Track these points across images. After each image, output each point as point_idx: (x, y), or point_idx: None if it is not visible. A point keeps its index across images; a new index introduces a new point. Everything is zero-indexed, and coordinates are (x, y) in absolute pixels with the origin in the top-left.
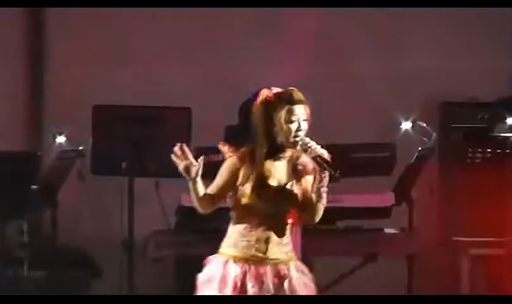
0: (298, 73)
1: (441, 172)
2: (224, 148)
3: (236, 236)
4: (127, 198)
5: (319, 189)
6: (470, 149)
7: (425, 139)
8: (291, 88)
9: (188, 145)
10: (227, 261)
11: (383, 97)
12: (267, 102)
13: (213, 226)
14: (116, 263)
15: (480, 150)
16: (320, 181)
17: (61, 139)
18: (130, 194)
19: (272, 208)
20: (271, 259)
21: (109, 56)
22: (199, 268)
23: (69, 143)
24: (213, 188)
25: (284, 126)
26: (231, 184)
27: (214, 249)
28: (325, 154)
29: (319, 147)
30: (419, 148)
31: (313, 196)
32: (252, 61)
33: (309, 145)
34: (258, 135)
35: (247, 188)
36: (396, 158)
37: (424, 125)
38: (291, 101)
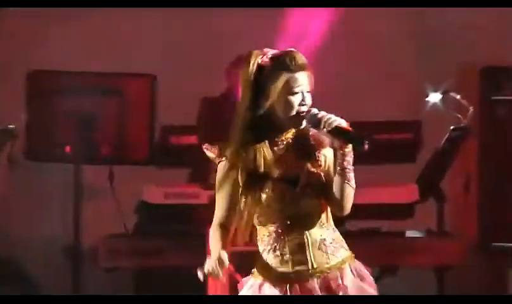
0: (299, 26)
1: (481, 159)
2: (211, 151)
3: (266, 252)
4: (73, 192)
5: (343, 169)
6: None
7: (459, 115)
8: (291, 49)
9: (152, 124)
10: (261, 285)
11: (406, 62)
12: (259, 68)
13: (184, 228)
14: (58, 276)
15: None
16: (344, 158)
17: None
18: (76, 186)
19: (291, 206)
20: (317, 269)
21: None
22: (165, 283)
23: None
24: (218, 214)
25: (283, 100)
26: (236, 198)
27: (187, 259)
28: (343, 123)
29: (332, 115)
30: (452, 127)
31: (338, 178)
32: (239, 13)
33: (319, 116)
34: (242, 113)
35: (253, 194)
36: (422, 139)
37: (458, 97)
38: (293, 67)
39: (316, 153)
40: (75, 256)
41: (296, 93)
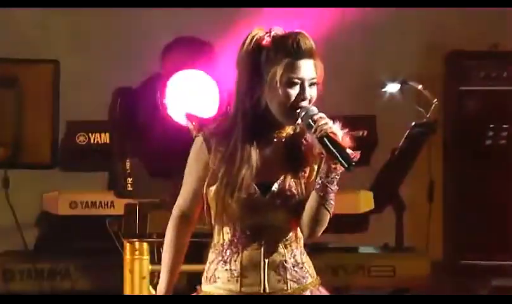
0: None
1: (447, 160)
2: (191, 122)
3: (215, 264)
4: None
5: (323, 186)
6: (491, 125)
7: (421, 109)
8: (299, 31)
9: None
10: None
11: (357, 47)
12: (258, 48)
13: (96, 245)
14: None
15: (505, 126)
16: (328, 174)
17: None
18: None
19: (255, 215)
20: (270, 294)
21: None
22: None
23: None
24: (181, 200)
25: (281, 90)
26: (203, 183)
27: (99, 283)
28: (339, 133)
29: (330, 122)
30: (412, 123)
31: (314, 197)
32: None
33: (315, 118)
34: (237, 100)
35: (218, 186)
36: (377, 138)
37: (420, 87)
38: (295, 52)
39: (303, 162)
40: None
41: (294, 83)
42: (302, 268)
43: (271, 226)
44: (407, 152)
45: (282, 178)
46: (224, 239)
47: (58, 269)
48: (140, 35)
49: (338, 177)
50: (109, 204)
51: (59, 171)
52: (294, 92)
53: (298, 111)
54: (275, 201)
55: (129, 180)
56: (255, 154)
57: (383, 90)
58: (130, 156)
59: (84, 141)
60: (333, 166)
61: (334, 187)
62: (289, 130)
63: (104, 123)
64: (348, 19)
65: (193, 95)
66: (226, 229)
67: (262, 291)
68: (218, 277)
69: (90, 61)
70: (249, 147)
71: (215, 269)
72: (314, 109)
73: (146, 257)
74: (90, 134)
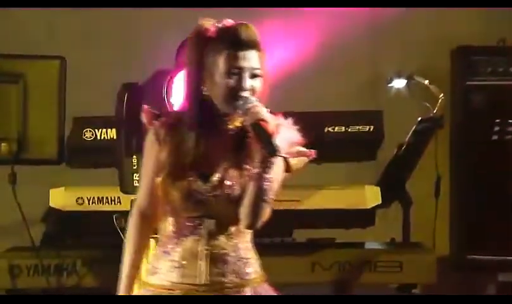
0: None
1: (454, 155)
2: (146, 115)
3: (158, 255)
4: None
5: (259, 175)
6: (498, 120)
7: (427, 104)
8: (242, 22)
9: (61, 115)
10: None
11: (364, 42)
12: (202, 39)
13: (104, 240)
14: None
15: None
16: (262, 163)
17: None
18: None
19: (197, 206)
20: (209, 287)
21: None
22: None
23: None
24: (139, 197)
25: (221, 80)
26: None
27: (106, 279)
28: (270, 121)
29: (264, 110)
30: (419, 119)
31: (252, 188)
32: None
33: (249, 104)
34: (186, 91)
35: (163, 177)
36: (384, 133)
37: (426, 82)
38: (236, 42)
39: (248, 154)
40: None
41: (234, 73)
42: (246, 263)
43: (213, 218)
44: (413, 148)
45: (224, 169)
46: (167, 231)
47: (65, 265)
48: (147, 32)
49: (272, 165)
50: (115, 200)
51: (65, 167)
52: (234, 82)
53: (237, 101)
54: (216, 191)
55: (135, 176)
56: (200, 144)
57: (390, 85)
58: (136, 152)
59: (91, 137)
60: (267, 154)
61: (269, 176)
62: (237, 122)
63: (110, 119)
64: (354, 15)
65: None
66: (170, 220)
67: (200, 283)
68: (160, 268)
69: (97, 57)
70: (194, 137)
71: (158, 260)
72: (252, 99)
73: (153, 252)
74: (96, 130)
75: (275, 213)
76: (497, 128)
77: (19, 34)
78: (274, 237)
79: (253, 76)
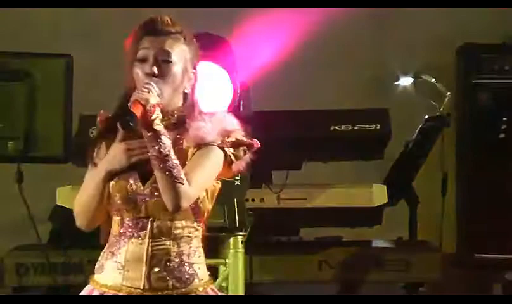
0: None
1: (460, 154)
2: (99, 119)
3: (105, 254)
4: None
5: (154, 157)
6: (504, 118)
7: (434, 102)
8: (161, 14)
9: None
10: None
11: (370, 40)
12: (132, 36)
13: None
14: None
15: None
16: (150, 143)
17: None
18: None
19: (138, 207)
20: (152, 291)
21: None
22: None
23: None
24: (81, 188)
25: (134, 67)
26: None
27: None
28: (146, 101)
29: (147, 91)
30: (425, 117)
31: (153, 167)
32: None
33: (142, 86)
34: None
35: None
36: (390, 132)
37: (433, 80)
38: (144, 28)
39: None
40: None
41: (142, 60)
42: (190, 268)
43: (155, 219)
44: (420, 146)
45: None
46: (114, 231)
47: (72, 263)
48: None
49: (164, 143)
50: None
51: (72, 165)
52: (142, 68)
53: (144, 86)
54: (155, 192)
55: None
56: (135, 143)
57: (396, 83)
58: None
59: None
60: (148, 134)
61: (158, 151)
62: (172, 118)
63: None
64: (360, 12)
65: (206, 86)
66: (117, 219)
67: (141, 287)
68: (106, 268)
69: (103, 55)
70: (130, 137)
71: (105, 259)
72: (153, 84)
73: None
74: None
75: (282, 211)
76: (503, 126)
77: (25, 32)
78: (281, 236)
79: (163, 61)
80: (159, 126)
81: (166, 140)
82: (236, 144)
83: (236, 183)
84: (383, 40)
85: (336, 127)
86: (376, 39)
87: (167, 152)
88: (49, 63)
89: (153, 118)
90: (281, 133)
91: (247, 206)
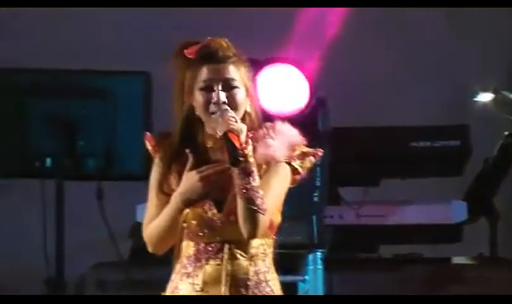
0: (312, 17)
1: None
2: (150, 142)
3: (179, 277)
4: (54, 213)
5: (239, 187)
6: None
7: None
8: (214, 38)
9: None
10: None
11: (450, 55)
12: (182, 60)
13: None
14: None
15: None
16: (240, 175)
17: None
18: (57, 207)
19: (214, 232)
20: None
21: None
22: None
23: None
24: (149, 216)
25: (197, 97)
26: (165, 201)
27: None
28: (240, 132)
29: (234, 120)
30: (506, 133)
31: (240, 201)
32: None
33: (223, 115)
34: (175, 111)
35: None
36: (470, 148)
37: None
38: (206, 57)
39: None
40: (58, 290)
41: (207, 88)
42: (266, 286)
43: (231, 242)
44: (500, 162)
45: (233, 193)
46: (188, 253)
47: (152, 279)
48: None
49: (248, 175)
50: None
51: None
52: (208, 96)
53: (213, 114)
54: (231, 217)
55: None
56: (207, 169)
57: (475, 99)
58: None
59: None
60: (245, 166)
61: (248, 185)
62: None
63: None
64: (436, 26)
65: (283, 87)
66: (190, 243)
67: None
68: (181, 290)
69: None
70: (200, 162)
71: (179, 282)
72: (226, 111)
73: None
74: None
75: (361, 228)
76: None
77: (104, 49)
78: (360, 253)
79: (230, 88)
80: (252, 158)
81: (256, 171)
82: (302, 156)
83: (314, 200)
84: (461, 54)
85: (415, 144)
86: (455, 54)
87: (256, 184)
88: (128, 80)
89: (247, 151)
90: (360, 150)
91: (326, 223)
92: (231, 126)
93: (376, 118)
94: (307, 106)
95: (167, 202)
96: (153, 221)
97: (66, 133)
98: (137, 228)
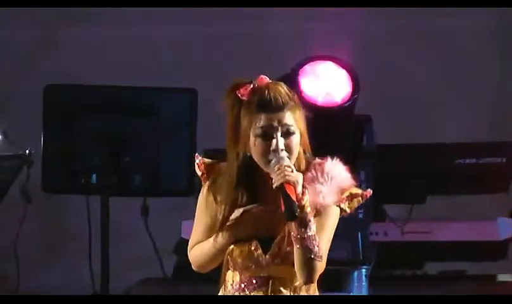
0: (354, 27)
1: None
2: (200, 167)
3: None
4: (100, 229)
5: (296, 238)
6: None
7: None
8: (271, 82)
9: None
10: None
11: (494, 69)
12: (236, 100)
13: None
14: None
15: None
16: (299, 225)
17: None
18: (103, 222)
19: (259, 269)
20: None
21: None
22: None
23: (7, 144)
24: (193, 240)
25: (254, 141)
26: (212, 229)
27: None
28: (296, 183)
29: (290, 170)
30: None
31: (295, 248)
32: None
33: (280, 164)
34: (227, 147)
35: (220, 231)
36: None
37: None
38: (264, 104)
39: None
40: None
41: (265, 135)
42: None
43: (276, 278)
44: None
45: (281, 236)
46: (233, 280)
47: (197, 295)
48: (273, 63)
49: (306, 225)
50: None
51: (197, 198)
52: (266, 143)
53: (270, 161)
54: (276, 260)
55: None
56: (255, 207)
57: None
58: None
59: None
60: (303, 216)
61: (305, 235)
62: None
63: None
64: (482, 44)
65: (325, 81)
66: (236, 273)
67: None
68: None
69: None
70: (249, 198)
71: None
72: (284, 159)
73: None
74: None
75: (405, 245)
76: None
77: (150, 66)
78: (405, 270)
79: (287, 134)
80: (309, 208)
81: (313, 220)
82: (350, 198)
83: (359, 217)
84: (508, 71)
85: (461, 161)
86: (500, 70)
87: (313, 233)
88: (174, 97)
89: (304, 202)
90: (405, 167)
91: (371, 240)
92: (287, 177)
93: (422, 135)
94: (350, 96)
95: (214, 227)
96: (198, 245)
97: (112, 150)
98: (181, 244)
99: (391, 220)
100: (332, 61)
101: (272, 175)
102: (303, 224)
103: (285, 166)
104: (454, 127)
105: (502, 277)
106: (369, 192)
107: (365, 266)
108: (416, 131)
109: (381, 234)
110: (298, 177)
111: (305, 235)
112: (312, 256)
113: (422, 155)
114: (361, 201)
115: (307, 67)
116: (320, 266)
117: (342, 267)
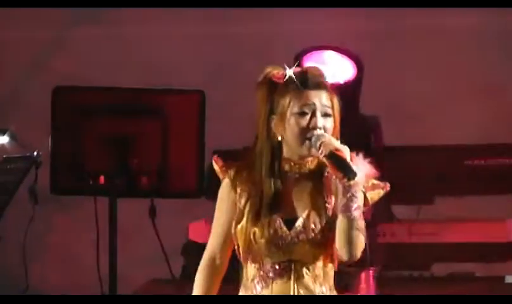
0: (359, 27)
1: None
2: (218, 164)
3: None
4: (107, 231)
5: (345, 206)
6: None
7: None
8: (309, 66)
9: (200, 149)
10: None
11: (505, 69)
12: (270, 85)
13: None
14: None
15: None
16: (344, 193)
17: (3, 140)
18: (111, 224)
19: (282, 251)
20: None
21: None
22: None
23: (15, 145)
24: (212, 244)
25: (292, 120)
26: (231, 224)
27: None
28: (344, 150)
29: (334, 139)
30: None
31: (342, 220)
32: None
33: (322, 140)
34: (258, 135)
35: (244, 224)
36: None
37: None
38: (305, 82)
39: (326, 195)
40: None
41: (305, 113)
42: None
43: (299, 261)
44: None
45: (306, 213)
46: (253, 275)
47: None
48: (281, 63)
49: (356, 193)
50: None
51: (205, 200)
52: (305, 121)
53: (309, 139)
54: (300, 236)
55: None
56: (279, 190)
57: None
58: None
59: None
60: (346, 183)
61: (355, 204)
62: (311, 165)
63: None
64: (487, 41)
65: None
66: (255, 265)
67: None
68: None
69: (235, 90)
70: (272, 183)
71: None
72: (322, 134)
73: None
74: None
75: (413, 246)
76: None
77: (158, 68)
78: (413, 271)
79: (325, 115)
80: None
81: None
82: (372, 188)
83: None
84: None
85: (470, 162)
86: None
87: (361, 203)
88: (182, 98)
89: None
90: (414, 168)
91: (378, 241)
92: (337, 145)
93: (430, 137)
94: (354, 78)
95: (230, 227)
96: (197, 276)
97: (120, 151)
98: (189, 245)
99: (398, 221)
100: (334, 50)
101: (314, 151)
102: (352, 189)
103: (328, 138)
104: (464, 129)
105: (510, 279)
106: (388, 185)
107: (372, 267)
108: (425, 132)
109: (388, 235)
110: (346, 147)
111: (354, 204)
112: (358, 227)
113: (431, 156)
114: (381, 194)
115: (312, 54)
116: (363, 241)
117: (349, 268)
